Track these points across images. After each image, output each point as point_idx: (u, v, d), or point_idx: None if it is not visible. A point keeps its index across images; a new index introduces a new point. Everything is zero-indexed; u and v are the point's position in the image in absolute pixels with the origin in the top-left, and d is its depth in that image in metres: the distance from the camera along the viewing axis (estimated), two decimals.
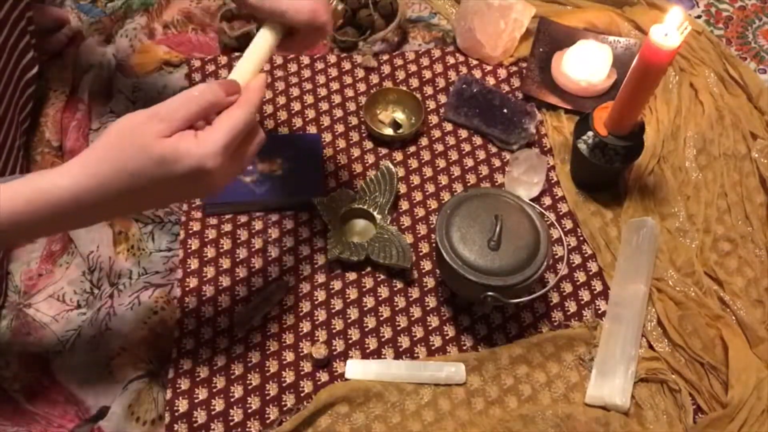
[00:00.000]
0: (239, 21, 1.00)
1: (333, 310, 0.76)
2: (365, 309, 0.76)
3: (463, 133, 0.90)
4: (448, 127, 0.90)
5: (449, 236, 0.69)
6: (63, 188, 0.51)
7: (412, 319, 0.76)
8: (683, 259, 0.80)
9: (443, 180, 0.86)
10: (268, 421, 0.69)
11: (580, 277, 0.79)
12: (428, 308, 0.77)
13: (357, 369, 0.72)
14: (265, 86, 0.59)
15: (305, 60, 0.95)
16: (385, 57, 0.96)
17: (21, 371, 0.70)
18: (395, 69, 0.95)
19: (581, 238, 0.82)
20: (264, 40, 0.63)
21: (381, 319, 0.75)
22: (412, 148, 0.88)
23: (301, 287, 0.77)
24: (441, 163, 0.87)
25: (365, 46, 0.96)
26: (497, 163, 0.88)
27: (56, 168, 0.53)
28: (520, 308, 0.77)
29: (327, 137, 0.89)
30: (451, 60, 0.96)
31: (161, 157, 0.51)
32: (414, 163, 0.87)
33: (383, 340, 0.74)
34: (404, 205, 0.84)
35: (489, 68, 0.96)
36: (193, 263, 0.78)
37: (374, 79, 0.94)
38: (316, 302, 0.76)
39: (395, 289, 0.78)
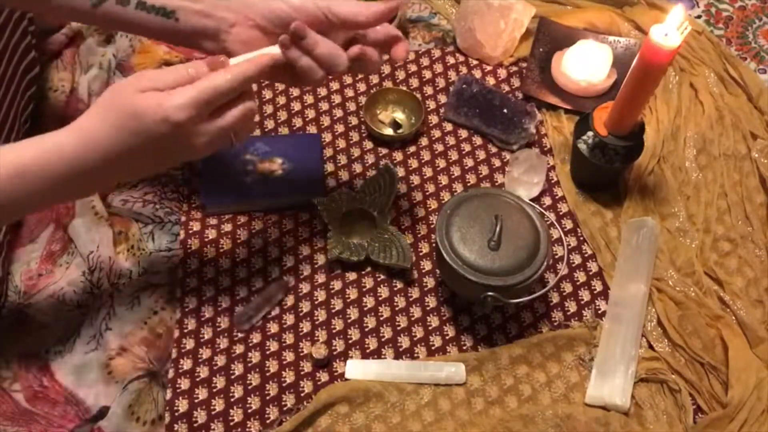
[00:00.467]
0: None
1: (333, 310, 0.76)
2: (365, 309, 0.76)
3: (463, 133, 0.90)
4: (448, 127, 0.90)
5: (449, 236, 0.69)
6: (67, 145, 0.54)
7: (412, 319, 0.76)
8: (683, 259, 0.80)
9: (443, 180, 0.86)
10: (268, 421, 0.69)
11: (580, 277, 0.79)
12: (428, 308, 0.77)
13: (357, 369, 0.72)
14: (262, 63, 0.57)
15: None
16: (386, 57, 0.96)
17: (21, 371, 0.70)
18: (395, 69, 0.95)
19: (581, 238, 0.82)
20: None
21: (381, 319, 0.75)
22: (412, 148, 0.88)
23: (301, 287, 0.77)
24: (441, 163, 0.87)
25: None
26: (497, 163, 0.88)
27: (58, 130, 0.55)
28: (520, 308, 0.77)
29: (327, 137, 0.89)
30: (451, 60, 0.96)
31: (134, 110, 0.52)
32: (414, 163, 0.87)
33: (383, 340, 0.74)
34: (404, 205, 0.84)
35: (489, 68, 0.96)
36: (193, 263, 0.78)
37: (374, 79, 0.94)
38: (316, 302, 0.76)
39: (395, 289, 0.78)
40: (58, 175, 0.55)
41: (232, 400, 0.70)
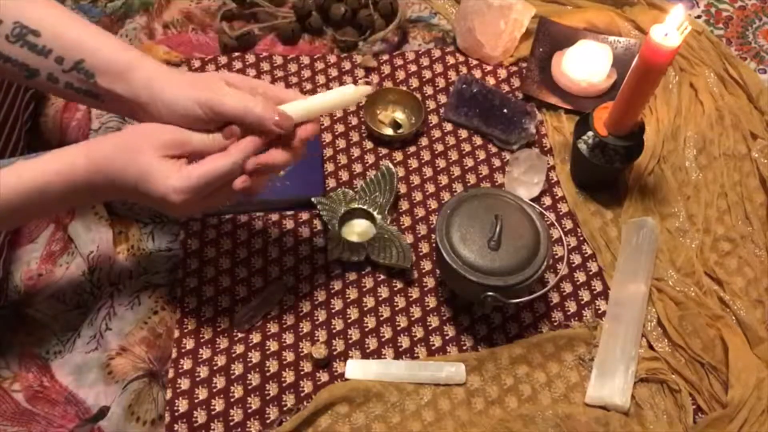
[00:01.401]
0: (239, 21, 1.01)
1: (333, 310, 0.76)
2: (365, 309, 0.76)
3: (463, 133, 0.90)
4: (448, 127, 0.90)
5: (449, 236, 0.69)
6: (79, 167, 0.57)
7: (412, 319, 0.76)
8: (683, 259, 0.80)
9: (443, 180, 0.86)
10: (268, 421, 0.69)
11: (580, 277, 0.79)
12: (428, 308, 0.77)
13: (357, 369, 0.72)
14: (259, 144, 0.59)
15: (305, 60, 0.95)
16: (385, 57, 0.96)
17: (21, 371, 0.70)
18: (395, 69, 0.95)
19: (581, 238, 0.82)
20: (344, 90, 0.63)
21: (381, 319, 0.75)
22: (412, 148, 0.88)
23: (301, 287, 0.77)
24: (441, 163, 0.87)
25: (365, 46, 0.96)
26: (497, 163, 0.88)
27: (73, 146, 0.59)
28: (520, 308, 0.77)
29: (327, 137, 0.89)
30: (451, 60, 0.96)
31: (146, 170, 0.56)
32: (414, 163, 0.87)
33: (383, 340, 0.74)
34: (404, 205, 0.84)
35: (489, 68, 0.96)
36: (193, 263, 0.78)
37: (374, 79, 0.94)
38: (316, 302, 0.76)
39: (395, 289, 0.78)
40: (67, 192, 0.58)
41: (232, 400, 0.70)
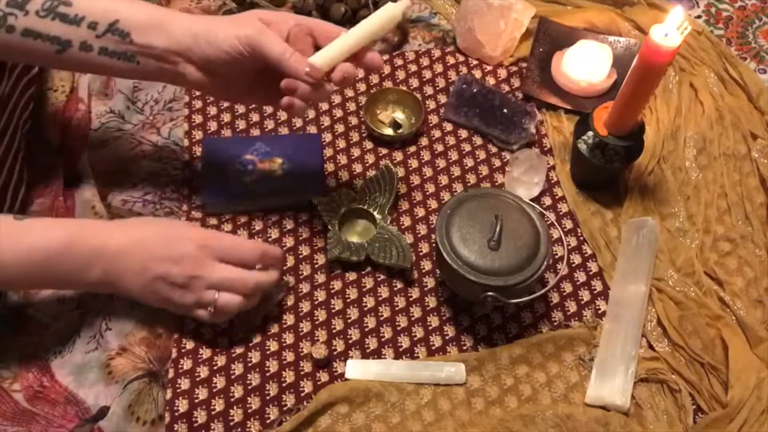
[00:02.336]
0: None
1: (333, 310, 0.76)
2: (365, 309, 0.76)
3: (463, 133, 0.90)
4: (448, 127, 0.90)
5: (449, 236, 0.69)
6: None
7: (412, 319, 0.76)
8: (683, 259, 0.80)
9: (443, 180, 0.86)
10: (268, 421, 0.69)
11: (580, 277, 0.79)
12: (428, 308, 0.77)
13: (357, 369, 0.72)
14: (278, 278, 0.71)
15: None
16: (385, 57, 0.96)
17: (21, 371, 0.70)
18: (395, 69, 0.95)
19: (581, 238, 0.82)
20: (381, 13, 0.63)
21: (381, 319, 0.75)
22: (412, 148, 0.88)
23: (301, 287, 0.77)
24: (441, 163, 0.87)
25: None
26: (497, 163, 0.88)
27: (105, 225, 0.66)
28: (520, 308, 0.77)
29: (327, 137, 0.89)
30: (451, 60, 0.96)
31: (174, 233, 0.66)
32: (414, 163, 0.87)
33: (383, 340, 0.74)
34: (404, 205, 0.84)
35: (489, 68, 0.96)
36: None
37: (374, 79, 0.94)
38: (316, 302, 0.76)
39: (395, 289, 0.78)
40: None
41: (232, 400, 0.70)
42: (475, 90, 0.89)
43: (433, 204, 0.84)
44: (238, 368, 0.71)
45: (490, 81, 0.95)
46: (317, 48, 0.65)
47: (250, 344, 0.73)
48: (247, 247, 0.69)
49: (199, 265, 0.65)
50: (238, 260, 0.68)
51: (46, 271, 0.62)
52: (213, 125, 0.88)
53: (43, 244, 0.61)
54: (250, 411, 0.69)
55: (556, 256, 0.81)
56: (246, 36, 0.61)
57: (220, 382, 0.71)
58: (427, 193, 0.85)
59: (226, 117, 0.89)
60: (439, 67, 0.96)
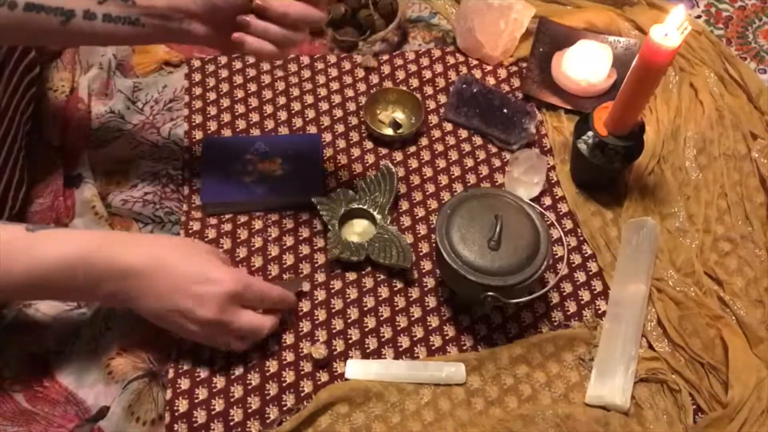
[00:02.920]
0: None
1: (333, 310, 0.76)
2: (365, 309, 0.76)
3: (463, 133, 0.90)
4: (448, 127, 0.90)
5: (449, 236, 0.69)
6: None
7: (412, 319, 0.76)
8: (683, 259, 0.80)
9: (443, 180, 0.86)
10: (268, 421, 0.69)
11: (580, 277, 0.79)
12: (428, 308, 0.77)
13: (357, 369, 0.72)
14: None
15: (305, 60, 0.95)
16: (385, 57, 0.96)
17: (21, 371, 0.70)
18: (395, 69, 0.95)
19: (581, 238, 0.82)
20: None
21: (381, 319, 0.75)
22: (412, 148, 0.88)
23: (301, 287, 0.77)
24: (441, 163, 0.87)
25: (365, 46, 0.96)
26: (497, 163, 0.88)
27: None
28: (520, 308, 0.77)
29: (327, 137, 0.89)
30: (451, 60, 0.96)
31: (207, 271, 0.65)
32: (414, 163, 0.87)
33: (383, 340, 0.74)
34: (404, 205, 0.84)
35: (489, 68, 0.96)
36: None
37: (374, 79, 0.94)
38: (316, 302, 0.76)
39: (395, 289, 0.78)
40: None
41: (232, 400, 0.70)
42: (475, 90, 0.89)
43: (433, 204, 0.84)
44: (238, 368, 0.71)
45: (490, 81, 0.95)
46: None
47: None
48: (273, 297, 0.70)
49: (224, 312, 0.65)
50: (260, 306, 0.69)
51: (56, 284, 0.62)
52: (213, 125, 0.88)
53: (55, 256, 0.61)
54: (250, 411, 0.69)
55: (556, 256, 0.80)
56: None
57: (220, 382, 0.71)
58: (427, 193, 0.85)
59: (226, 117, 0.89)
60: (439, 67, 0.96)
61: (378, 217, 0.80)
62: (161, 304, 0.64)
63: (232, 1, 0.62)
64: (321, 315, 0.75)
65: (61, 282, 0.61)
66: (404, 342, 0.74)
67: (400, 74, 0.95)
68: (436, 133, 0.90)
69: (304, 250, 0.79)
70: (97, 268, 0.62)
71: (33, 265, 0.60)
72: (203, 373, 0.71)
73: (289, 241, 0.80)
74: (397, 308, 0.76)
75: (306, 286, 0.76)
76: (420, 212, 0.83)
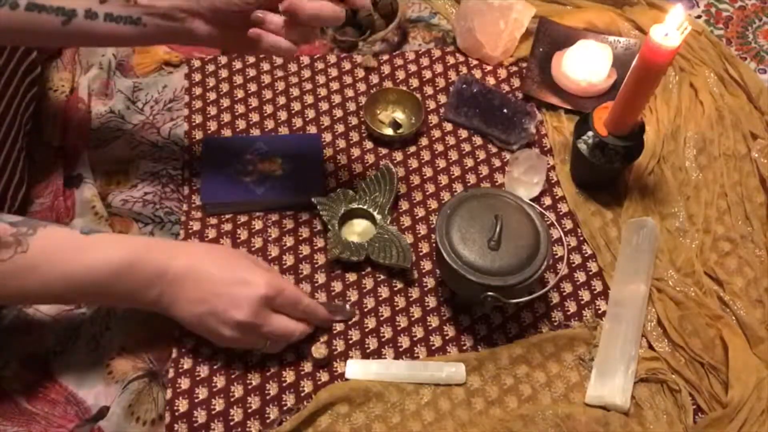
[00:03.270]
0: None
1: None
2: (365, 309, 0.76)
3: (463, 133, 0.90)
4: (448, 127, 0.90)
5: (449, 236, 0.69)
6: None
7: (412, 319, 0.76)
8: (683, 259, 0.80)
9: (443, 180, 0.86)
10: (268, 421, 0.69)
11: (580, 277, 0.79)
12: (428, 308, 0.77)
13: (357, 369, 0.72)
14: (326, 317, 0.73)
15: (305, 60, 0.95)
16: (385, 57, 0.96)
17: (21, 371, 0.70)
18: (395, 69, 0.95)
19: (581, 238, 0.82)
20: None
21: (381, 319, 0.75)
22: (412, 148, 0.88)
23: (301, 287, 0.77)
24: (441, 163, 0.87)
25: (365, 46, 0.96)
26: (497, 163, 0.88)
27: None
28: (520, 308, 0.77)
29: (327, 137, 0.89)
30: (451, 60, 0.96)
31: (242, 274, 0.66)
32: (414, 163, 0.87)
33: (383, 340, 0.74)
34: (404, 205, 0.84)
35: (489, 68, 0.96)
36: None
37: (374, 79, 0.94)
38: (316, 299, 0.76)
39: (395, 289, 0.78)
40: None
41: (232, 399, 0.70)
42: (475, 90, 0.89)
43: (433, 204, 0.84)
44: (238, 368, 0.71)
45: (490, 81, 0.95)
46: None
47: None
48: (305, 305, 0.70)
49: (258, 315, 0.65)
50: (292, 313, 0.69)
51: (104, 288, 0.62)
52: (213, 125, 0.88)
53: (106, 261, 0.61)
54: (250, 411, 0.69)
55: (556, 256, 0.81)
56: None
57: (220, 381, 0.71)
58: (427, 193, 0.85)
59: (226, 117, 0.89)
60: (439, 67, 0.96)
61: (378, 217, 0.80)
62: (196, 307, 0.64)
63: (233, 1, 0.62)
64: None
65: (108, 287, 0.62)
66: (404, 342, 0.74)
67: (400, 74, 0.95)
68: (436, 133, 0.90)
69: (304, 250, 0.79)
70: (142, 274, 0.62)
71: (82, 269, 0.60)
72: (203, 373, 0.71)
73: (289, 241, 0.80)
74: (397, 308, 0.76)
75: (354, 315, 0.76)
76: (420, 212, 0.83)
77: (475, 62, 0.96)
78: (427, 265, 0.79)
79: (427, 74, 0.95)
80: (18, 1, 0.60)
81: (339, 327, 0.75)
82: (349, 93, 0.93)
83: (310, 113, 0.90)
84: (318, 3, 0.59)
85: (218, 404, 0.69)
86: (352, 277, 0.78)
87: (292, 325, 0.69)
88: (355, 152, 0.88)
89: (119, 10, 0.62)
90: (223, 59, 0.94)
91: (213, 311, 0.64)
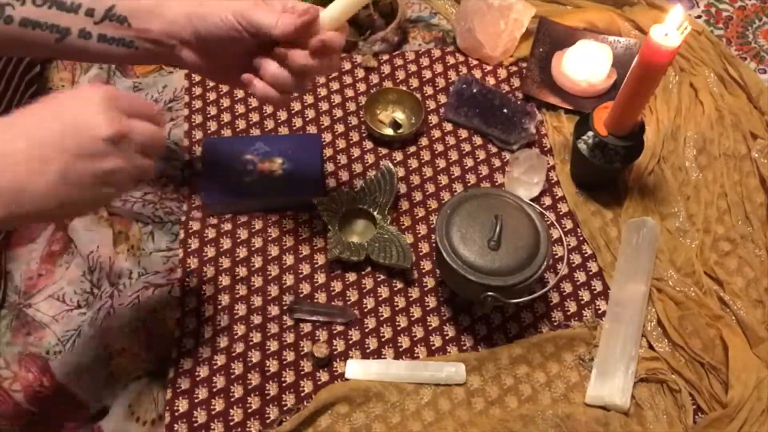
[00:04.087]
0: None
1: None
2: (365, 309, 0.76)
3: (463, 133, 0.90)
4: (448, 127, 0.90)
5: (449, 236, 0.69)
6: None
7: (412, 319, 0.76)
8: (683, 259, 0.80)
9: (443, 180, 0.86)
10: (268, 421, 0.69)
11: (580, 277, 0.79)
12: (428, 308, 0.77)
13: (357, 369, 0.72)
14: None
15: None
16: (385, 57, 0.96)
17: (21, 371, 0.70)
18: (395, 69, 0.95)
19: (581, 238, 0.82)
20: None
21: (381, 319, 0.75)
22: (412, 148, 0.88)
23: (302, 287, 0.77)
24: (441, 163, 0.87)
25: (365, 46, 0.96)
26: (497, 163, 0.88)
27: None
28: (520, 308, 0.77)
29: (327, 137, 0.89)
30: (451, 60, 0.96)
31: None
32: (414, 163, 0.87)
33: (383, 340, 0.74)
34: (404, 205, 0.84)
35: (489, 68, 0.96)
36: (193, 263, 0.78)
37: (374, 79, 0.94)
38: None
39: (395, 289, 0.78)
40: None
41: (232, 399, 0.70)
42: (475, 90, 0.89)
43: (433, 204, 0.84)
44: (238, 368, 0.71)
45: (490, 81, 0.95)
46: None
47: (251, 343, 0.73)
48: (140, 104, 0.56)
49: (117, 121, 0.50)
50: (137, 115, 0.54)
51: None
52: (213, 125, 0.88)
53: None
54: (250, 411, 0.69)
55: (556, 256, 0.81)
56: (240, 9, 0.59)
57: (220, 381, 0.71)
58: (427, 193, 0.85)
59: (226, 117, 0.89)
60: (439, 67, 0.96)
61: (378, 217, 0.80)
62: (50, 167, 0.48)
63: (216, 33, 0.61)
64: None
65: None
66: (404, 342, 0.74)
67: (400, 74, 0.95)
68: (436, 133, 0.90)
69: (304, 250, 0.79)
70: None
71: None
72: (203, 373, 0.71)
73: (289, 241, 0.80)
74: (397, 308, 0.76)
75: (354, 317, 0.75)
76: (420, 212, 0.83)
77: (475, 62, 0.96)
78: (427, 265, 0.79)
79: (427, 74, 0.95)
80: (12, 17, 0.60)
81: (339, 327, 0.75)
82: (349, 93, 0.93)
83: (310, 113, 0.90)
84: (299, 51, 0.60)
85: (218, 404, 0.69)
86: (352, 277, 0.78)
87: (152, 126, 0.54)
88: (355, 152, 0.88)
89: (113, 32, 0.61)
90: None
91: (74, 151, 0.49)
